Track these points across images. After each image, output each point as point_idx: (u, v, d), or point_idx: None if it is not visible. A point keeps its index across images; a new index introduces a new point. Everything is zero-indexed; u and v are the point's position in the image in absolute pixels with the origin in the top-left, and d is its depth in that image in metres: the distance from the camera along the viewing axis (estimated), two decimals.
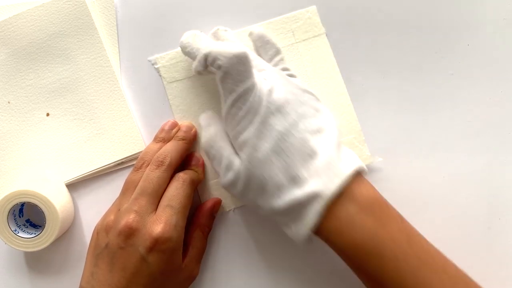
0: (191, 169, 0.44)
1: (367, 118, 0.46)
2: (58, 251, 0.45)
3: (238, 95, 0.37)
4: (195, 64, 0.40)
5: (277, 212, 0.37)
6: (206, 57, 0.38)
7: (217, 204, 0.45)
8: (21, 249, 0.42)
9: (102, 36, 0.46)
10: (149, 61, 0.46)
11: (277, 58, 0.43)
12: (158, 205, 0.40)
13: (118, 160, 0.45)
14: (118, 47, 0.46)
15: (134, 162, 0.45)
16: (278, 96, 0.37)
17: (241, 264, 0.45)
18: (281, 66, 0.43)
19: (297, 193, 0.36)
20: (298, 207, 0.36)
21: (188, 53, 0.42)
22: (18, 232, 0.42)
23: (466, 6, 0.47)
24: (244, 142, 0.37)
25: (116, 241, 0.39)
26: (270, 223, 0.45)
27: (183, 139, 0.44)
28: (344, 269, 0.46)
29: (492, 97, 0.47)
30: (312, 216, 0.35)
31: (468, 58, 0.47)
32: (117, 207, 0.41)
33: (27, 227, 0.43)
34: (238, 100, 0.37)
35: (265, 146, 0.36)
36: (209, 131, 0.41)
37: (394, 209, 0.38)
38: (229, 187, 0.39)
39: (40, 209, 0.41)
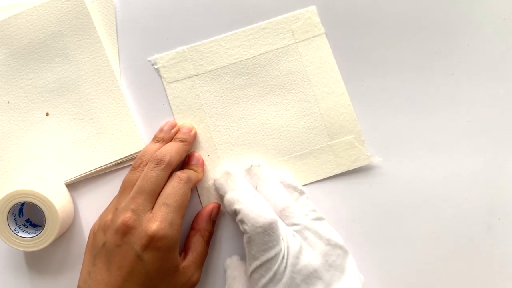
0: (190, 169, 0.44)
1: (367, 118, 0.46)
2: (58, 251, 0.45)
3: (261, 263, 0.37)
4: (224, 204, 0.41)
5: None
6: (235, 212, 0.39)
7: (216, 208, 0.45)
8: (21, 249, 0.42)
9: (102, 36, 0.46)
10: (149, 61, 0.46)
11: (301, 201, 0.43)
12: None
13: (118, 160, 0.45)
14: (118, 47, 0.46)
15: (133, 162, 0.45)
16: (305, 263, 0.38)
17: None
18: (307, 208, 0.43)
19: None
20: None
21: (220, 195, 0.44)
22: (18, 232, 0.42)
23: (466, 6, 0.47)
24: None
25: (113, 239, 0.39)
26: None
27: (183, 141, 0.44)
28: None
29: (492, 97, 0.47)
30: None
31: (468, 58, 0.47)
32: (115, 206, 0.41)
33: (27, 226, 0.43)
34: (261, 267, 0.38)
35: None
36: (234, 285, 0.42)
37: None
38: None
39: (40, 209, 0.41)
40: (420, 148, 0.46)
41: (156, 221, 0.38)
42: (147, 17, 0.46)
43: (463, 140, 0.47)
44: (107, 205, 0.44)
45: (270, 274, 0.37)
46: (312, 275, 0.38)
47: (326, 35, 0.46)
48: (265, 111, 0.46)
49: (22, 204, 0.43)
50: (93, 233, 0.42)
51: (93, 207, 0.46)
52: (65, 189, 0.45)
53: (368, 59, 0.46)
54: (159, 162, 0.41)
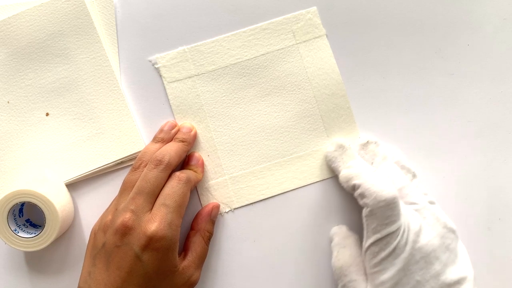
0: (190, 169, 0.44)
1: (367, 118, 0.46)
2: (58, 251, 0.45)
3: (382, 236, 0.37)
4: (340, 180, 0.42)
5: None
6: (354, 187, 0.39)
7: (215, 208, 0.45)
8: (21, 249, 0.42)
9: (102, 36, 0.46)
10: (150, 61, 0.46)
11: (415, 183, 0.43)
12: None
13: (118, 160, 0.45)
14: (118, 47, 0.46)
15: (133, 162, 0.45)
16: (425, 242, 0.38)
17: (241, 269, 0.45)
18: (420, 191, 0.43)
19: None
20: None
21: (332, 167, 0.44)
22: (18, 232, 0.42)
23: (466, 6, 0.47)
24: (381, 283, 0.38)
25: (112, 239, 0.39)
26: (270, 225, 0.46)
27: (182, 141, 0.44)
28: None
29: (492, 97, 0.47)
30: None
31: (468, 58, 0.47)
32: (115, 207, 0.41)
33: (27, 227, 0.43)
34: (382, 241, 0.38)
35: None
36: (344, 254, 0.42)
37: None
38: None
39: (40, 209, 0.41)
40: (420, 148, 0.46)
41: (155, 222, 0.39)
42: (147, 17, 0.46)
43: (463, 140, 0.47)
44: (107, 205, 0.44)
45: (390, 248, 0.37)
46: (431, 254, 0.38)
47: (327, 36, 0.46)
48: (265, 111, 0.46)
49: (22, 204, 0.43)
50: (94, 233, 0.42)
51: (93, 207, 0.46)
52: (65, 189, 0.45)
53: (369, 60, 0.46)
54: (158, 162, 0.41)
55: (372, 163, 0.43)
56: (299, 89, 0.46)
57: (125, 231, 0.39)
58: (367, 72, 0.46)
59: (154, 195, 0.40)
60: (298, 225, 0.46)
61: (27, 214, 0.45)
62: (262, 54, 0.46)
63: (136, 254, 0.38)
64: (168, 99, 0.46)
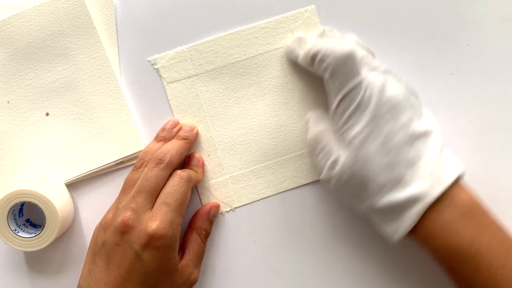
0: (190, 169, 0.44)
1: None
2: (58, 251, 0.46)
3: (347, 91, 0.37)
4: (301, 59, 0.42)
5: (376, 210, 0.38)
6: (314, 57, 0.39)
7: (214, 208, 0.45)
8: (21, 249, 0.42)
9: (102, 36, 0.46)
10: (149, 61, 0.46)
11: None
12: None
13: (118, 160, 0.45)
14: (118, 47, 0.46)
15: (133, 162, 0.45)
16: (390, 94, 0.37)
17: (242, 268, 0.45)
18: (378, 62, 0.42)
19: (399, 194, 0.36)
20: (398, 208, 0.37)
21: (293, 58, 0.44)
22: (18, 232, 0.42)
23: (466, 6, 0.47)
24: (352, 138, 0.38)
25: (113, 238, 0.39)
26: (270, 224, 0.45)
27: (184, 139, 0.44)
28: (343, 269, 0.46)
29: (492, 97, 0.47)
30: (411, 218, 0.36)
31: (468, 58, 0.47)
32: (116, 205, 0.42)
33: (27, 226, 0.44)
34: (347, 96, 0.37)
35: (373, 144, 0.37)
36: (318, 126, 0.41)
37: (493, 217, 0.38)
38: (331, 181, 0.39)
39: (40, 208, 0.41)
40: None
41: (156, 220, 0.39)
42: (147, 17, 0.46)
43: (463, 140, 0.46)
44: (107, 205, 0.44)
45: (356, 101, 0.37)
46: (397, 107, 0.37)
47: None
48: (265, 110, 0.46)
49: (22, 204, 0.43)
50: (96, 232, 0.42)
51: (93, 207, 0.46)
52: (65, 189, 0.45)
53: None
54: (159, 161, 0.41)
55: None
56: (298, 88, 0.46)
57: (125, 229, 0.39)
58: None
59: (154, 194, 0.40)
60: (298, 225, 0.46)
61: (27, 214, 0.45)
62: (261, 53, 0.46)
63: (137, 252, 0.38)
64: (168, 99, 0.46)
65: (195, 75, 0.46)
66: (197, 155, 0.45)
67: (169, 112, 0.46)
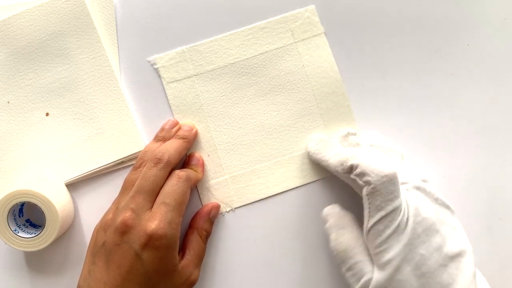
0: (190, 169, 0.44)
1: (367, 118, 0.46)
2: (58, 251, 0.45)
3: (387, 213, 0.36)
4: (333, 165, 0.40)
5: None
6: (352, 167, 0.38)
7: (215, 208, 0.45)
8: (21, 249, 0.42)
9: (102, 36, 0.46)
10: (149, 61, 0.46)
11: (403, 163, 0.43)
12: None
13: (118, 160, 0.45)
14: (118, 47, 0.46)
15: (133, 162, 0.45)
16: (425, 215, 0.37)
17: (242, 268, 0.45)
18: (409, 172, 0.42)
19: None
20: None
21: (318, 160, 0.44)
22: (18, 232, 0.42)
23: (466, 6, 0.47)
24: (387, 261, 0.37)
25: (112, 238, 0.39)
26: (270, 224, 0.45)
27: (183, 138, 0.44)
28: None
29: (492, 97, 0.47)
30: None
31: (468, 58, 0.47)
32: (116, 206, 0.42)
33: (27, 227, 0.44)
34: (387, 218, 0.37)
35: (408, 267, 0.36)
36: (345, 236, 0.40)
37: None
38: None
39: (40, 209, 0.41)
40: (420, 148, 0.46)
41: (155, 220, 0.39)
42: (147, 17, 0.46)
43: (463, 140, 0.46)
44: (107, 205, 0.44)
45: (395, 224, 0.36)
46: (431, 227, 0.37)
47: (325, 34, 0.46)
48: (264, 110, 0.46)
49: (22, 204, 0.43)
50: (95, 232, 0.42)
51: (93, 207, 0.46)
52: (65, 189, 0.45)
53: (368, 59, 0.46)
54: (158, 161, 0.41)
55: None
56: (298, 87, 0.46)
57: (125, 229, 0.39)
58: (366, 72, 0.46)
59: (154, 194, 0.40)
60: (299, 225, 0.46)
61: (27, 214, 0.45)
62: (261, 53, 0.46)
63: (136, 252, 0.38)
64: (168, 99, 0.46)
65: (195, 75, 0.46)
66: (196, 154, 0.45)
67: (169, 112, 0.46)
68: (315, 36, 0.46)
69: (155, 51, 0.46)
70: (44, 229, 0.41)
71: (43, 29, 0.45)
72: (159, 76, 0.46)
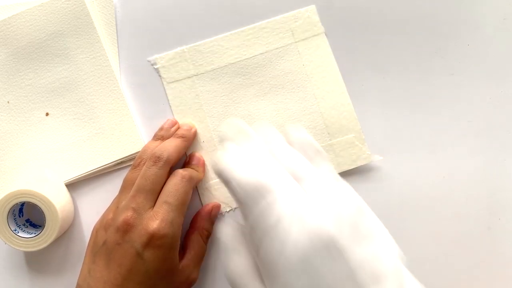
0: (191, 168, 0.44)
1: (367, 117, 0.46)
2: (58, 251, 0.45)
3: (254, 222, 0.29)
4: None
5: None
6: (218, 174, 0.31)
7: (216, 208, 0.45)
8: (21, 249, 0.42)
9: (101, 36, 0.46)
10: (149, 61, 0.46)
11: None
12: (156, 201, 0.40)
13: (118, 160, 0.45)
14: (118, 47, 0.46)
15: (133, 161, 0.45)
16: (321, 229, 0.28)
17: None
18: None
19: None
20: None
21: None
22: (18, 232, 0.42)
23: (466, 6, 0.47)
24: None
25: (114, 237, 0.39)
26: None
27: (182, 137, 0.44)
28: None
29: (492, 97, 0.47)
30: None
31: (468, 58, 0.47)
32: (116, 205, 0.42)
33: (27, 227, 0.44)
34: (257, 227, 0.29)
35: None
36: (235, 262, 0.31)
37: None
38: None
39: (40, 209, 0.41)
40: (420, 148, 0.46)
41: (157, 220, 0.38)
42: (147, 17, 0.46)
43: (463, 140, 0.46)
44: (107, 205, 0.44)
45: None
46: (334, 242, 0.27)
47: (325, 34, 0.46)
48: (265, 110, 0.46)
49: (22, 204, 0.43)
50: (95, 231, 0.42)
51: (93, 207, 0.46)
52: (65, 189, 0.45)
53: (368, 59, 0.46)
54: (157, 159, 0.41)
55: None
56: (299, 87, 0.46)
57: (126, 228, 0.39)
58: (366, 72, 0.46)
59: (154, 192, 0.40)
60: None
61: (27, 214, 0.45)
62: (261, 53, 0.46)
63: (137, 251, 0.38)
64: (168, 99, 0.46)
65: (195, 75, 0.46)
66: (197, 154, 0.45)
67: (169, 112, 0.46)
68: (315, 36, 0.46)
69: (155, 51, 0.46)
70: (44, 229, 0.41)
71: (43, 29, 0.45)
72: (159, 76, 0.46)
